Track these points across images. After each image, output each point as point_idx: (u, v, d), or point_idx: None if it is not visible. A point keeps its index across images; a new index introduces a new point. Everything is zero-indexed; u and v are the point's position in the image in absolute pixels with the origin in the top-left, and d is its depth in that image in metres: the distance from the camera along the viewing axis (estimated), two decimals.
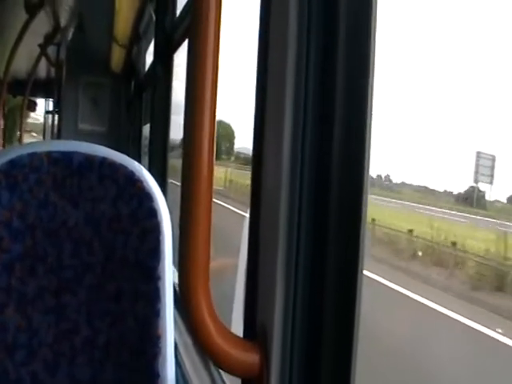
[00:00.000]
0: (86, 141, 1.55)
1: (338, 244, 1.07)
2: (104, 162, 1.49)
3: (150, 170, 1.55)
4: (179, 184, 1.33)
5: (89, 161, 1.49)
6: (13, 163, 1.45)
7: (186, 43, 3.08)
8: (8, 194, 1.45)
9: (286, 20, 1.14)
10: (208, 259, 1.17)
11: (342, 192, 1.08)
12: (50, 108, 10.29)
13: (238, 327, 1.36)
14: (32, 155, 1.47)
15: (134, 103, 5.78)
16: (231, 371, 1.22)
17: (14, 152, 1.48)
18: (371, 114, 1.06)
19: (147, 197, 1.48)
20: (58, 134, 7.01)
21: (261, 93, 1.25)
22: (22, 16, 5.18)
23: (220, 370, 1.93)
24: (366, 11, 1.06)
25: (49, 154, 1.48)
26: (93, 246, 1.50)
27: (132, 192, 1.49)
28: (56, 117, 7.79)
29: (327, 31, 1.12)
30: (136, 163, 1.53)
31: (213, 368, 1.99)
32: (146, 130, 4.58)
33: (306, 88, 1.14)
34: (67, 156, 1.49)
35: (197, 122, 1.19)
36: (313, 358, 1.10)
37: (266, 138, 1.22)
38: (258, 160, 1.24)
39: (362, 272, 1.04)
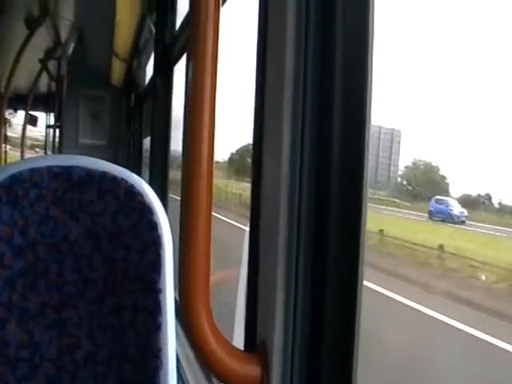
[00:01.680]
0: (87, 154, 1.56)
1: (338, 256, 1.07)
2: (104, 176, 1.50)
3: (150, 183, 1.56)
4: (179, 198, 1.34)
5: (89, 175, 1.49)
6: (13, 179, 1.46)
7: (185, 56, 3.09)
8: (9, 209, 1.46)
9: (283, 21, 1.15)
10: (208, 272, 1.17)
11: (341, 201, 1.08)
12: (51, 122, 10.32)
13: (239, 340, 1.36)
14: (32, 170, 1.47)
15: (134, 116, 5.79)
16: None
17: (15, 167, 1.49)
18: (370, 120, 1.06)
19: (148, 210, 1.49)
20: (60, 148, 7.03)
21: (260, 99, 1.25)
22: (23, 31, 5.21)
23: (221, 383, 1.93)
24: (363, 9, 1.06)
25: (49, 168, 1.48)
26: (93, 260, 1.50)
27: (132, 205, 1.49)
28: (57, 131, 7.81)
29: (325, 31, 1.12)
30: (136, 176, 1.53)
31: (215, 381, 1.99)
32: (147, 142, 4.59)
33: (304, 95, 1.14)
34: (67, 170, 1.49)
35: (196, 135, 1.20)
36: (313, 371, 1.10)
37: (265, 146, 1.23)
38: (257, 170, 1.24)
39: (361, 284, 1.05)
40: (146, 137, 4.91)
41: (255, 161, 1.27)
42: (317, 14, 1.14)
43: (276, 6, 1.20)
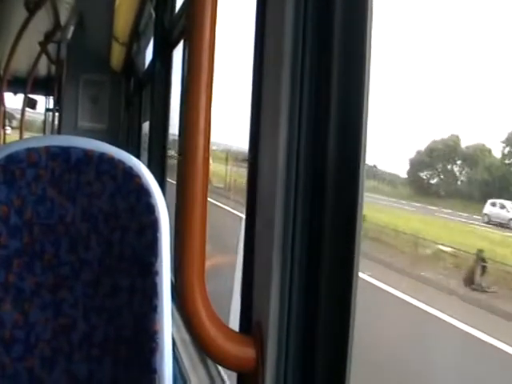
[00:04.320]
0: (86, 137, 1.55)
1: (333, 239, 1.07)
2: (102, 157, 1.49)
3: (149, 167, 1.55)
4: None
5: (87, 156, 1.49)
6: (10, 158, 1.45)
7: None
8: (6, 189, 1.45)
9: (281, 18, 1.14)
10: (203, 254, 1.17)
11: (337, 189, 1.08)
12: (51, 106, 10.30)
13: (235, 323, 1.36)
14: (30, 150, 1.47)
15: (133, 100, 5.78)
16: (227, 366, 1.22)
17: (12, 147, 1.48)
18: (367, 117, 1.06)
19: (145, 192, 1.48)
20: (58, 132, 7.02)
21: (256, 95, 1.25)
22: (22, 13, 5.18)
23: (217, 366, 1.94)
24: (362, 9, 1.06)
25: (47, 148, 1.48)
26: (90, 241, 1.50)
27: (130, 187, 1.48)
28: (56, 114, 7.80)
29: (323, 30, 1.12)
30: (134, 159, 1.53)
31: (210, 363, 1.99)
32: (146, 127, 4.58)
33: (301, 91, 1.14)
34: (65, 151, 1.49)
35: (193, 120, 1.19)
36: (308, 352, 1.11)
37: (261, 137, 1.23)
38: (253, 157, 1.24)
39: (357, 267, 1.05)
40: (145, 121, 4.90)
41: (252, 145, 1.27)
42: (315, 13, 1.13)
43: (274, 5, 1.19)
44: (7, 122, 10.94)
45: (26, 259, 1.48)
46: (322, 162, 1.10)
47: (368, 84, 1.06)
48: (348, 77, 1.08)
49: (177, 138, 3.77)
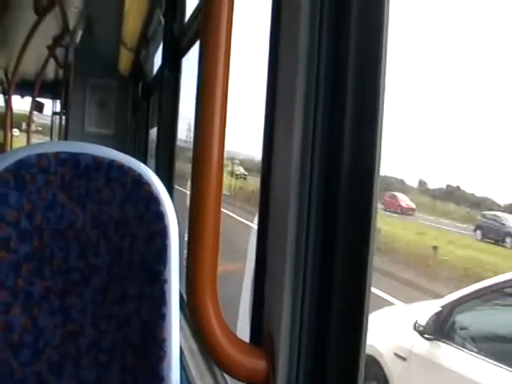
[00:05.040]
0: (93, 143, 1.56)
1: (346, 252, 1.07)
2: (112, 164, 1.49)
3: (156, 174, 1.55)
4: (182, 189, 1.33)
5: (97, 162, 1.49)
6: (21, 163, 1.46)
7: (194, 48, 3.08)
8: (16, 194, 1.45)
9: (296, 26, 1.14)
10: (216, 264, 1.17)
11: (351, 200, 1.08)
12: (58, 109, 10.34)
13: (243, 333, 1.35)
14: (40, 155, 1.47)
15: (140, 106, 5.79)
16: (237, 377, 1.22)
17: (23, 152, 1.49)
18: (382, 122, 1.06)
19: (155, 200, 1.48)
20: (65, 136, 7.03)
21: (271, 98, 1.25)
22: (31, 17, 5.20)
23: (225, 376, 1.93)
24: (377, 10, 1.05)
25: (57, 154, 1.48)
26: (99, 248, 1.50)
27: (139, 195, 1.49)
28: (63, 118, 7.82)
29: (338, 38, 1.12)
30: (144, 166, 1.53)
31: (218, 373, 1.99)
32: (153, 133, 4.59)
33: (316, 93, 1.14)
34: (75, 157, 1.49)
35: (207, 127, 1.19)
36: (319, 365, 1.10)
37: (275, 142, 1.22)
38: (267, 165, 1.24)
39: (370, 281, 1.04)
40: (152, 127, 4.90)
41: (265, 154, 1.27)
42: (331, 16, 1.13)
43: (289, 6, 1.19)
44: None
45: (35, 264, 1.48)
46: (336, 170, 1.09)
47: (384, 91, 1.05)
48: (364, 83, 1.07)
49: (182, 144, 3.78)
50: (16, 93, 7.89)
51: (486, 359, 2.78)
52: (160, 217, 1.48)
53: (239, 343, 1.18)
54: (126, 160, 1.52)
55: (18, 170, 1.45)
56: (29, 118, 8.72)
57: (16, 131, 10.77)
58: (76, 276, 1.50)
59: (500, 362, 2.73)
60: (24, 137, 9.86)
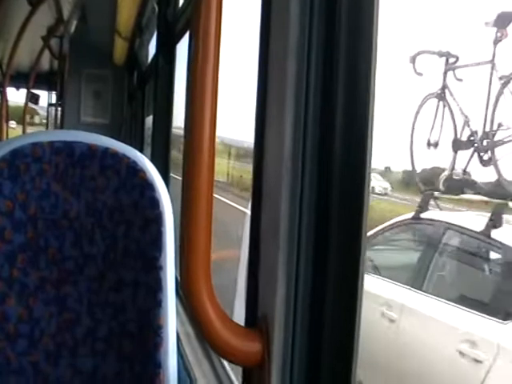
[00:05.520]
0: (90, 132, 1.55)
1: (339, 232, 1.07)
2: (106, 152, 1.49)
3: (152, 161, 1.55)
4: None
5: (91, 151, 1.49)
6: (15, 153, 1.45)
7: (188, 35, 3.07)
8: (10, 184, 1.45)
9: (287, 15, 1.14)
10: (209, 248, 1.17)
11: (342, 185, 1.08)
12: (53, 101, 10.30)
13: (239, 317, 1.36)
14: (34, 145, 1.47)
15: (136, 95, 5.77)
16: (233, 360, 1.22)
17: (17, 142, 1.48)
18: (373, 114, 1.06)
19: (149, 187, 1.48)
20: (61, 127, 7.02)
21: (262, 89, 1.24)
22: (25, 8, 5.17)
23: (222, 360, 1.94)
24: (368, 7, 1.05)
25: (51, 143, 1.48)
26: (94, 236, 1.50)
27: (134, 182, 1.48)
28: (59, 109, 7.80)
29: (329, 27, 1.11)
30: (138, 153, 1.53)
31: (214, 357, 1.99)
32: (149, 121, 4.58)
33: (307, 85, 1.13)
34: (69, 146, 1.49)
35: (198, 114, 1.19)
36: (314, 346, 1.10)
37: (266, 132, 1.22)
38: (259, 154, 1.24)
39: (363, 261, 1.04)
40: (148, 115, 4.89)
41: (257, 144, 1.27)
42: (321, 12, 1.12)
43: (279, 4, 1.19)
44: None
45: (30, 254, 1.48)
46: (328, 159, 1.09)
47: (374, 80, 1.05)
48: (355, 73, 1.07)
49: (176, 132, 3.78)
50: (11, 85, 7.85)
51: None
52: (155, 203, 1.48)
53: (234, 326, 1.18)
54: (120, 148, 1.51)
55: (13, 159, 1.45)
56: (24, 110, 8.69)
57: (13, 123, 10.74)
58: (71, 265, 1.50)
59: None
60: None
